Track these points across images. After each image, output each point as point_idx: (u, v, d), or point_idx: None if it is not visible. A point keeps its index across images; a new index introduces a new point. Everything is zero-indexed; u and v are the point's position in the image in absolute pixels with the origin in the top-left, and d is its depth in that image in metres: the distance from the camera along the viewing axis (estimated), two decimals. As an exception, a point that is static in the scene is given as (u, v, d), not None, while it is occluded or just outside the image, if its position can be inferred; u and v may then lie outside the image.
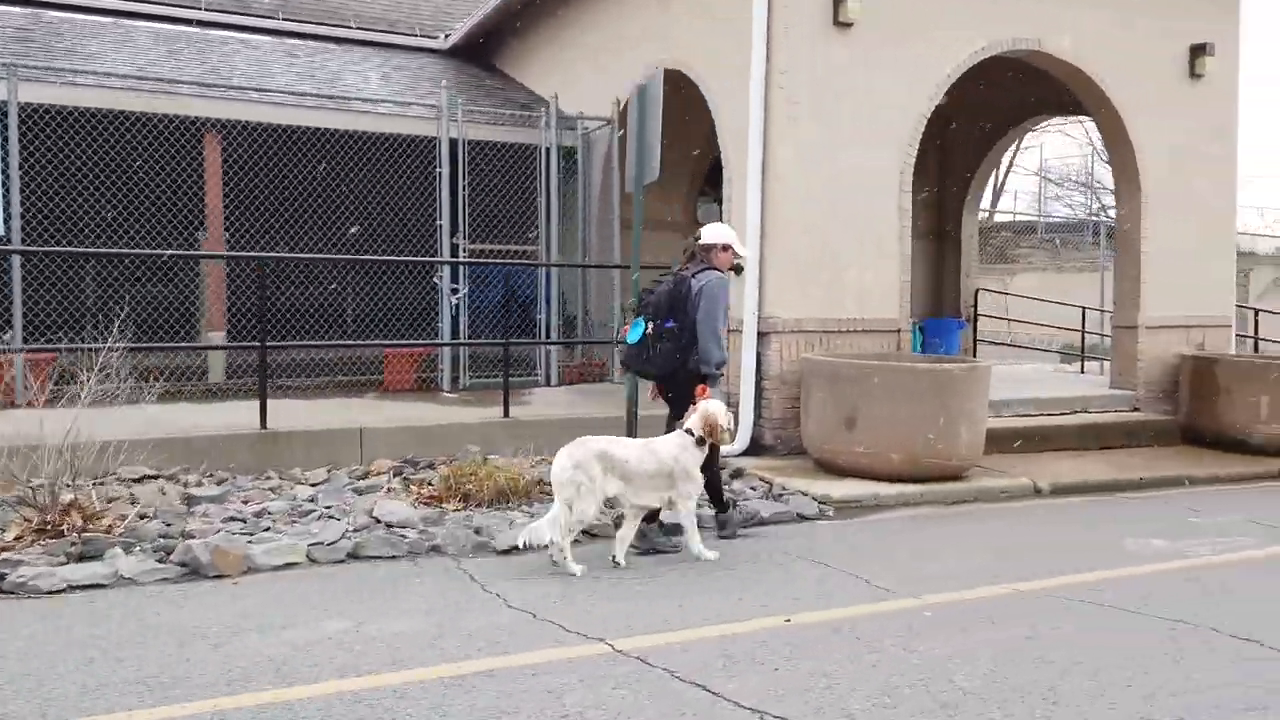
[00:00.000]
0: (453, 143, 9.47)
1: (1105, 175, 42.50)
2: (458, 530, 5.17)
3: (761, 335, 7.91)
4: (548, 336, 9.85)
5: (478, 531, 5.21)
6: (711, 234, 5.65)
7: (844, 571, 4.93)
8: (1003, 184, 36.37)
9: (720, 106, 8.49)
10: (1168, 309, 9.64)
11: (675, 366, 5.38)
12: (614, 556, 4.95)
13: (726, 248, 5.61)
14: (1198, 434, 9.11)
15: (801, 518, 6.11)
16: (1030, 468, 7.62)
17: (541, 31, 12.15)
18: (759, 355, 7.92)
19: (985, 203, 36.28)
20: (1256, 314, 13.28)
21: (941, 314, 13.50)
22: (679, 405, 5.38)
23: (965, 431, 6.93)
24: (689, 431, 5.04)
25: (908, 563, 5.15)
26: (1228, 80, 9.86)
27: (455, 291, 9.32)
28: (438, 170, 9.29)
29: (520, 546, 4.82)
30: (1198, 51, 9.60)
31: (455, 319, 9.37)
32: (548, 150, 9.75)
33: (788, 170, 7.87)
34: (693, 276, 5.45)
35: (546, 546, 4.79)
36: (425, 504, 5.87)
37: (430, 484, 6.18)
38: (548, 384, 9.83)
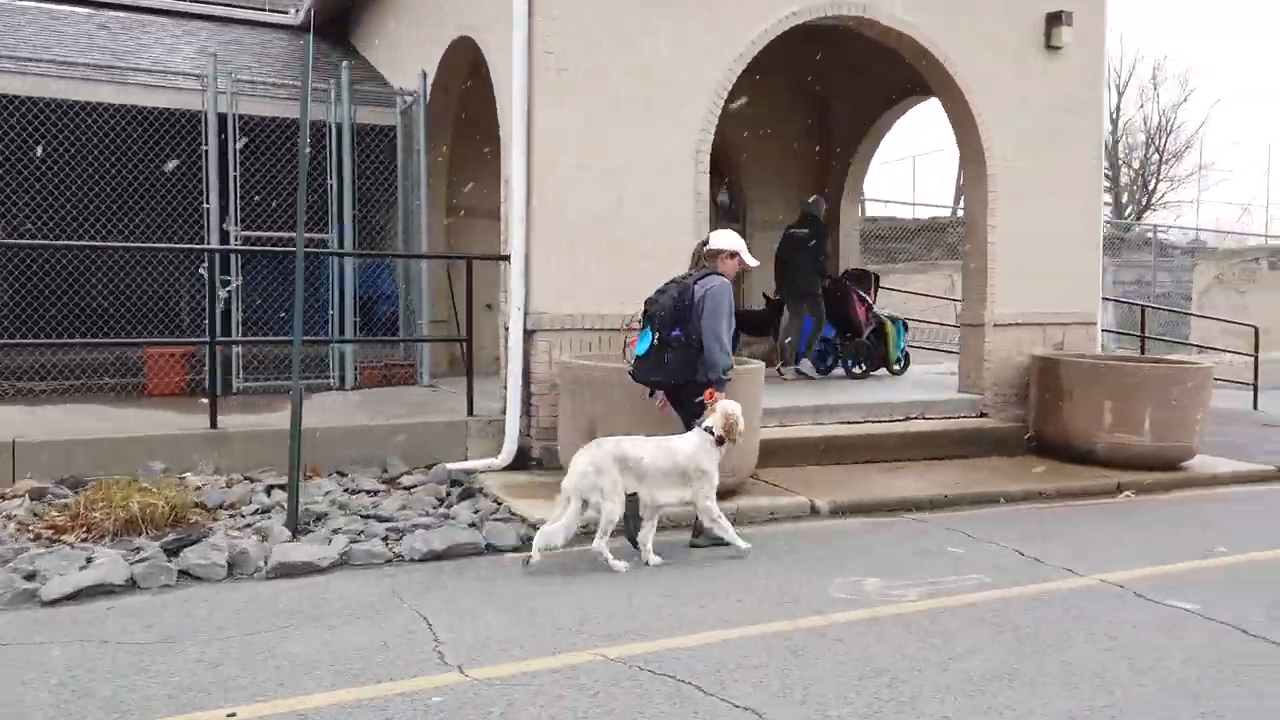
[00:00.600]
0: (242, 119, 8.54)
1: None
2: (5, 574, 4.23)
3: (529, 334, 6.98)
4: (341, 333, 8.90)
5: (30, 577, 4.26)
6: (719, 240, 5.66)
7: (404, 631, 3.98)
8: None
9: (499, 73, 7.52)
10: (1021, 304, 8.77)
11: (688, 376, 5.38)
12: (645, 560, 5.03)
13: (734, 255, 5.63)
14: (1045, 443, 8.25)
15: (493, 549, 5.19)
16: (824, 483, 6.74)
17: (384, 3, 11.19)
18: (526, 357, 7.00)
19: (947, 197, 35.78)
20: (1144, 310, 12.43)
21: (825, 311, 12.62)
22: (690, 414, 5.39)
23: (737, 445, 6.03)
24: (709, 430, 5.08)
25: (501, 618, 4.25)
26: (1090, 52, 9.00)
27: (226, 284, 8.35)
28: (203, 147, 8.32)
29: (534, 556, 4.82)
30: (1054, 21, 8.72)
31: (232, 314, 8.42)
32: (338, 126, 8.78)
33: (557, 145, 6.94)
34: (695, 283, 5.43)
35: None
36: (44, 536, 4.94)
37: (68, 509, 5.24)
38: (341, 387, 8.89)
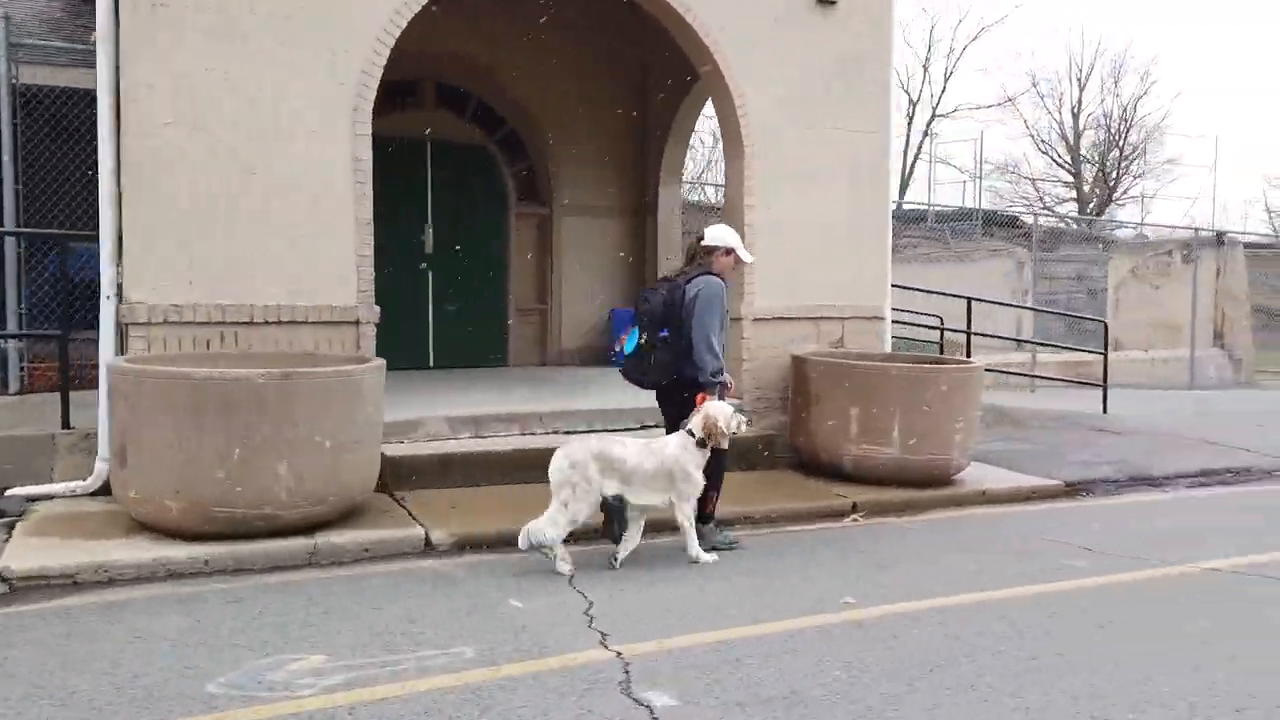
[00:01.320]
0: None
1: (1039, 162, 41.30)
2: None
3: (123, 329, 5.77)
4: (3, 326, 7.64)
5: None
6: (714, 236, 5.46)
7: None
8: (910, 171, 35.07)
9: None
10: (789, 297, 7.67)
11: (671, 376, 5.28)
12: (616, 557, 4.94)
13: (729, 251, 5.44)
14: (800, 455, 7.17)
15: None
16: (481, 509, 5.59)
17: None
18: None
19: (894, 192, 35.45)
20: (969, 303, 11.37)
21: (641, 303, 11.48)
22: (676, 416, 5.28)
23: (324, 463, 4.87)
24: (690, 432, 5.00)
25: None
26: (875, 8, 7.90)
27: None
28: None
29: (521, 546, 4.71)
30: (825, -29, 7.63)
31: None
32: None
33: (158, 101, 5.72)
34: (687, 283, 5.29)
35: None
36: None
37: None
38: (4, 390, 7.64)
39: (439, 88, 10.40)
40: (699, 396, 5.14)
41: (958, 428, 6.63)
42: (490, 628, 3.95)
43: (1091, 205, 39.69)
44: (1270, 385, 18.13)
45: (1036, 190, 40.83)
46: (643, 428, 7.17)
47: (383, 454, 6.05)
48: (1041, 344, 13.66)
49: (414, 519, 5.33)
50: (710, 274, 5.34)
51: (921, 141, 36.21)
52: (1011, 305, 13.15)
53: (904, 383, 6.50)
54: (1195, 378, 16.89)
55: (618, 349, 11.11)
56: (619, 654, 3.68)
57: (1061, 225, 28.73)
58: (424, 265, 10.38)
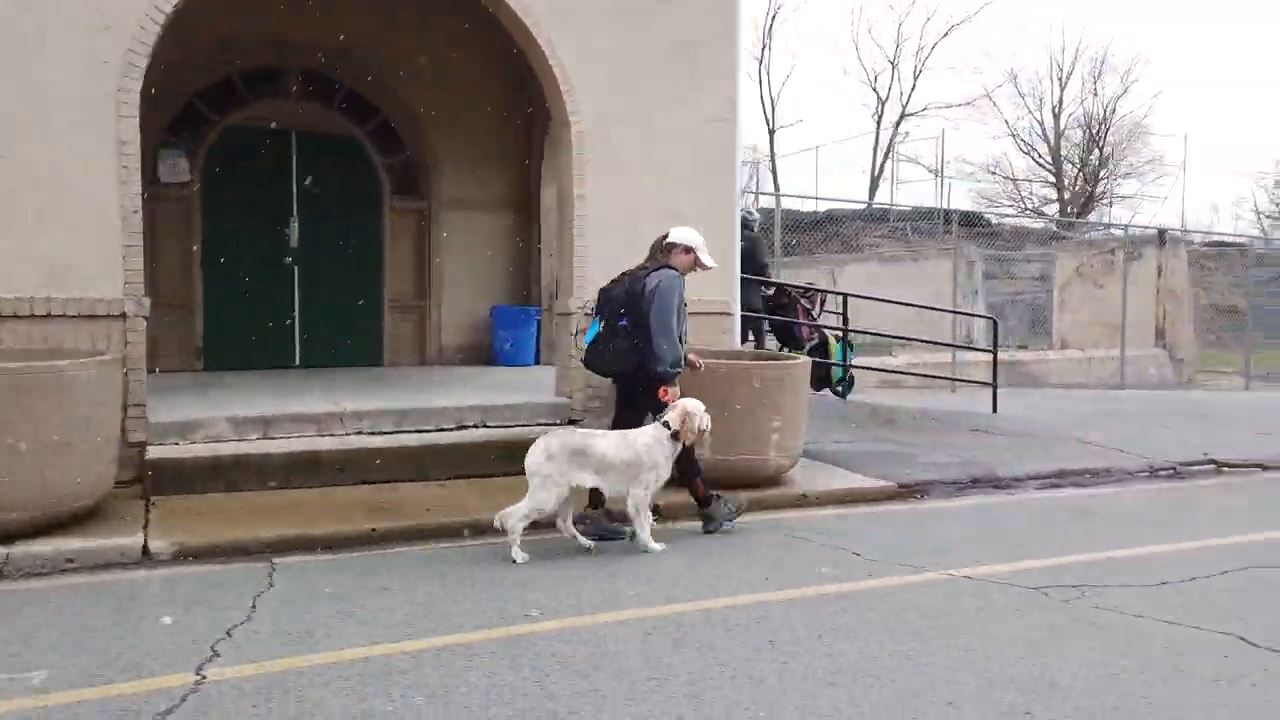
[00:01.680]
0: None
1: (1020, 163, 40.50)
2: None
3: None
4: None
5: None
6: (679, 235, 5.70)
7: None
8: (880, 170, 34.51)
9: None
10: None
11: (629, 364, 5.47)
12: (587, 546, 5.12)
13: (689, 250, 5.66)
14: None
15: None
16: (233, 515, 5.24)
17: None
18: None
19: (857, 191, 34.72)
20: (845, 299, 10.97)
21: (529, 300, 11.16)
22: (632, 403, 5.55)
23: (22, 467, 4.51)
24: (666, 424, 5.18)
25: None
26: (717, -6, 7.57)
27: None
28: None
29: (496, 526, 4.92)
30: (660, -51, 7.29)
31: None
32: None
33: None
34: (647, 275, 5.51)
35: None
36: None
37: None
38: None
39: (305, 76, 10.03)
40: (662, 390, 5.33)
41: (775, 427, 6.28)
42: (98, 646, 3.60)
43: (1071, 206, 38.86)
44: (1213, 385, 17.82)
45: (1019, 190, 40.44)
46: (460, 428, 6.83)
47: (145, 456, 5.73)
48: (932, 344, 13.32)
49: (143, 527, 4.97)
50: (670, 268, 5.53)
51: (891, 140, 35.42)
52: (890, 302, 12.81)
53: (713, 381, 6.14)
54: (1128, 377, 16.58)
55: (508, 346, 10.67)
56: (200, 679, 3.31)
57: (1026, 225, 28.44)
58: (289, 260, 10.01)
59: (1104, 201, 39.78)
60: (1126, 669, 3.55)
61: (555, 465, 4.90)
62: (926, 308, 13.94)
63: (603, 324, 5.58)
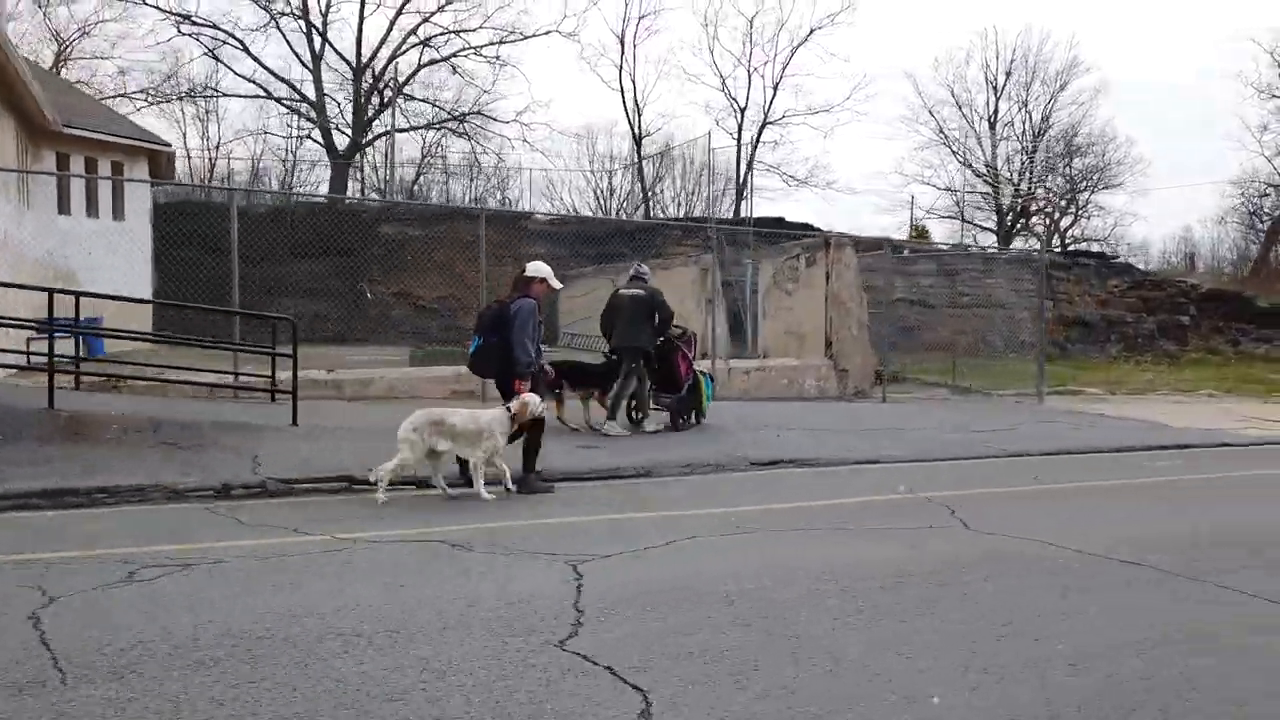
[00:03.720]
0: None
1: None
2: None
3: None
4: None
5: None
6: (532, 269, 7.60)
7: None
8: (743, 181, 34.83)
9: None
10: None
11: (500, 367, 7.40)
12: (482, 494, 6.89)
13: (543, 280, 7.56)
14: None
15: None
16: None
17: None
18: None
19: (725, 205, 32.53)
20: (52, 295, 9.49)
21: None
22: (506, 395, 7.35)
23: None
24: (508, 408, 7.07)
25: None
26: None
27: None
28: None
29: (371, 481, 6.73)
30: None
31: None
32: None
33: None
34: (511, 303, 7.39)
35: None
36: None
37: None
38: None
39: None
40: (516, 383, 7.20)
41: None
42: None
43: (1013, 223, 38.33)
44: (895, 398, 15.38)
45: (961, 203, 39.55)
46: None
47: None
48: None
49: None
50: (528, 297, 7.43)
51: (754, 151, 35.06)
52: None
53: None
54: (805, 388, 15.34)
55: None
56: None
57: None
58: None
59: (1084, 215, 39.50)
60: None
61: (419, 434, 6.65)
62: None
63: (481, 340, 7.40)
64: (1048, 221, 40.28)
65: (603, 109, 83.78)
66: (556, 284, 7.77)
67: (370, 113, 31.55)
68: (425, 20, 31.30)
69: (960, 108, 39.82)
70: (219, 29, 29.87)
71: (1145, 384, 20.14)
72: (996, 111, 39.01)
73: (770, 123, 35.35)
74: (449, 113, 32.35)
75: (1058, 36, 65.05)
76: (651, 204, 30.42)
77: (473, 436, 6.88)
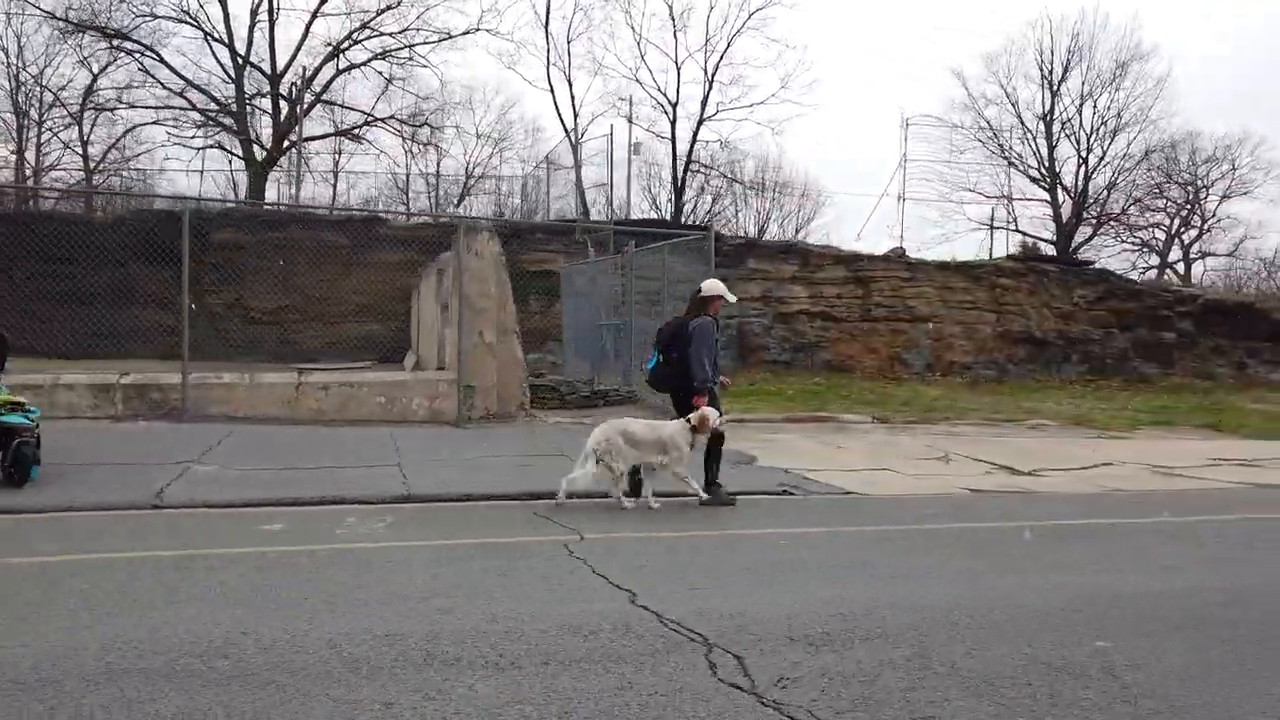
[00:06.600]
0: None
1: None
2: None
3: None
4: None
5: None
6: (708, 288, 7.85)
7: None
8: (682, 182, 32.73)
9: None
10: None
11: (678, 383, 7.75)
12: (649, 504, 7.28)
13: (719, 298, 7.78)
14: None
15: None
16: None
17: None
18: None
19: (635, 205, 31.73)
20: None
21: None
22: (682, 408, 7.71)
23: None
24: (687, 420, 7.43)
25: None
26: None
27: None
28: None
29: (563, 495, 7.21)
30: None
31: None
32: None
33: None
34: (690, 320, 7.71)
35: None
36: None
37: None
38: None
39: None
40: (695, 398, 7.50)
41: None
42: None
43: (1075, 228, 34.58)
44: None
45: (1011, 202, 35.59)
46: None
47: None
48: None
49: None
50: (706, 315, 7.75)
51: (690, 149, 32.44)
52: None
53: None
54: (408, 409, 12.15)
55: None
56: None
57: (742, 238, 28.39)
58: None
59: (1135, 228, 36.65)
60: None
61: (614, 445, 7.12)
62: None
63: (660, 356, 7.89)
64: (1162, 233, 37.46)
65: (531, 109, 78.53)
66: (731, 298, 7.93)
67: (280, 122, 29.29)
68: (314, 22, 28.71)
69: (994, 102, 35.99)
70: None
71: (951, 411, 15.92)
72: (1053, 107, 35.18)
73: (706, 119, 31.76)
74: (367, 117, 30.16)
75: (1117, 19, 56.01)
76: (550, 210, 27.48)
77: (651, 445, 7.29)
